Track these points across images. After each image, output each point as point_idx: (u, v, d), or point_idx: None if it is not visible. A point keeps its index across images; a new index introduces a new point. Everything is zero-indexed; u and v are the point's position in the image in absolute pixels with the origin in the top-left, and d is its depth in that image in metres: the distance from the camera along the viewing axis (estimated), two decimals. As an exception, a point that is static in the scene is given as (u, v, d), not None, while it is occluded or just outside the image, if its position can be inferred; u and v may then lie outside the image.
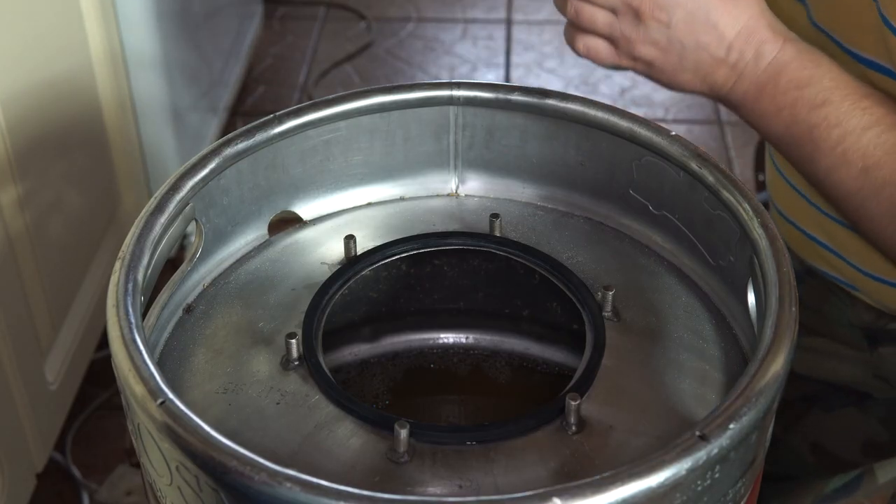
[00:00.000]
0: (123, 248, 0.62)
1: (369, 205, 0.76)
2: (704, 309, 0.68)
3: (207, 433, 0.52)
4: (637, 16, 0.74)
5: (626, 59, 0.77)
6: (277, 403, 0.61)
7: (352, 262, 0.70)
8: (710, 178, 0.66)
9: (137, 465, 0.61)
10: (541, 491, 0.49)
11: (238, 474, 0.50)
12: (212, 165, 0.68)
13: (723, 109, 2.12)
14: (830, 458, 0.82)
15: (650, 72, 0.77)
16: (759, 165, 1.72)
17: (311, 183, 0.75)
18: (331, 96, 0.72)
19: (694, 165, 0.67)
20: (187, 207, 0.66)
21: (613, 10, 0.75)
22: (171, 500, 0.56)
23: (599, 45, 0.77)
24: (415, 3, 2.46)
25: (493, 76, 2.24)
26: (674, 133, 0.69)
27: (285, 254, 0.72)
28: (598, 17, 0.76)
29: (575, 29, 0.78)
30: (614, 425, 0.59)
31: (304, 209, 0.75)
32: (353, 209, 0.76)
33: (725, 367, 0.64)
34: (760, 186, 1.70)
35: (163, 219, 0.64)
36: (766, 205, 0.86)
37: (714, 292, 0.69)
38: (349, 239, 0.71)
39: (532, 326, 0.74)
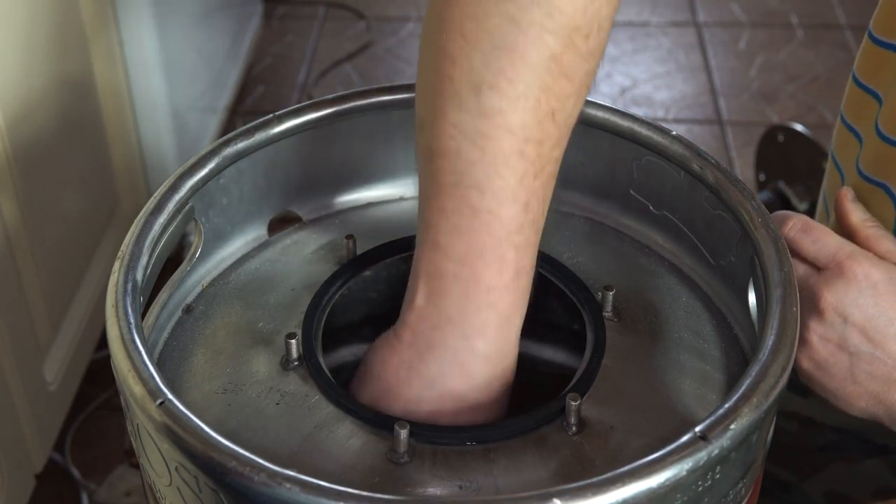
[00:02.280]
0: (122, 248, 0.61)
1: (369, 205, 0.76)
2: (705, 309, 0.68)
3: (207, 434, 0.52)
4: (816, 308, 0.66)
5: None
6: (277, 404, 0.61)
7: (352, 262, 0.70)
8: (711, 178, 0.66)
9: (137, 466, 0.61)
10: (541, 492, 0.49)
11: (238, 475, 0.50)
12: (211, 165, 0.67)
13: (724, 108, 2.12)
14: (841, 501, 0.82)
15: (818, 374, 0.68)
16: (759, 165, 1.72)
17: (311, 183, 0.75)
18: (330, 96, 0.72)
19: (695, 165, 0.67)
20: (186, 207, 0.66)
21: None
22: (170, 500, 0.56)
23: None
24: (415, 2, 2.45)
25: (493, 76, 2.23)
26: (674, 133, 0.69)
27: (285, 254, 0.72)
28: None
29: None
30: (615, 426, 0.59)
31: (304, 209, 0.75)
32: (353, 209, 0.76)
33: (726, 368, 0.64)
34: (761, 186, 1.70)
35: (162, 219, 0.64)
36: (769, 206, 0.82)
37: (715, 292, 0.69)
38: (349, 239, 0.71)
39: (532, 326, 0.74)
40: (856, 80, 0.79)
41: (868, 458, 0.79)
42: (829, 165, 0.82)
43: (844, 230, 0.72)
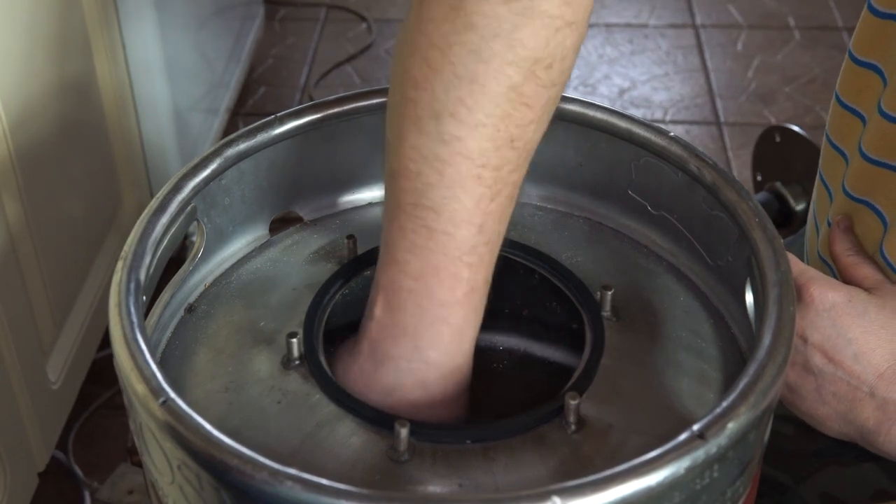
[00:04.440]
0: (125, 248, 0.62)
1: (370, 205, 0.77)
2: (703, 308, 0.68)
3: (209, 432, 0.52)
4: None
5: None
6: (278, 402, 0.61)
7: (352, 262, 0.70)
8: (709, 179, 0.67)
9: (139, 464, 0.61)
10: (540, 490, 0.49)
11: (239, 473, 0.50)
12: (213, 166, 0.68)
13: (721, 110, 2.13)
14: None
15: (791, 397, 0.70)
16: (756, 166, 1.73)
17: (312, 183, 0.75)
18: (331, 97, 0.72)
19: (692, 166, 0.68)
20: (189, 208, 0.67)
21: None
22: (172, 498, 0.56)
23: None
24: (415, 3, 2.45)
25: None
26: (672, 134, 0.69)
27: (286, 254, 0.73)
28: None
29: None
30: (613, 424, 0.59)
31: (305, 209, 0.75)
32: (353, 209, 0.76)
33: (724, 367, 0.64)
34: (758, 187, 1.70)
35: (164, 219, 0.64)
36: (764, 206, 0.82)
37: (712, 292, 0.69)
38: (350, 239, 0.71)
39: (532, 326, 0.74)
40: (839, 101, 0.79)
41: (863, 462, 0.79)
42: (816, 183, 0.83)
43: (831, 256, 0.75)
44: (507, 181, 0.59)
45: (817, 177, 0.83)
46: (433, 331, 0.60)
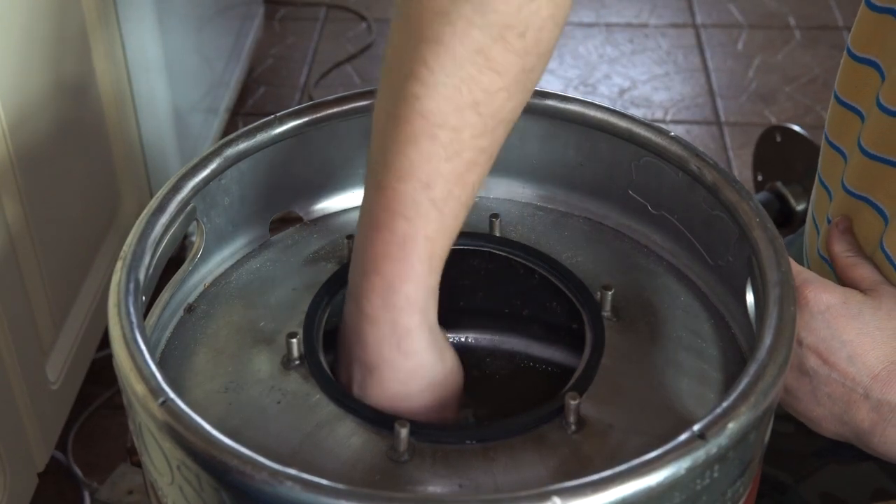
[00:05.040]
0: (125, 248, 0.62)
1: (370, 205, 0.77)
2: (703, 308, 0.68)
3: (208, 432, 0.52)
4: None
5: None
6: (278, 402, 0.61)
7: (352, 262, 0.70)
8: (709, 179, 0.67)
9: (139, 465, 0.61)
10: (540, 490, 0.49)
11: (239, 473, 0.50)
12: (213, 166, 0.68)
13: (722, 109, 2.13)
14: (836, 503, 0.83)
15: (787, 399, 0.70)
16: (757, 166, 1.73)
17: (312, 183, 0.75)
18: (331, 97, 0.72)
19: (693, 166, 0.68)
20: (188, 208, 0.66)
21: None
22: (172, 499, 0.56)
23: None
24: (415, 3, 2.45)
25: (494, 77, 2.23)
26: (672, 133, 0.69)
27: (286, 254, 0.73)
28: None
29: None
30: (613, 424, 0.59)
31: (305, 209, 0.75)
32: (353, 209, 0.76)
33: (724, 367, 0.64)
34: (759, 187, 1.70)
35: (164, 219, 0.64)
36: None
37: (713, 292, 0.69)
38: (350, 239, 0.71)
39: (532, 326, 0.74)
40: (837, 99, 0.79)
41: (863, 461, 0.79)
42: (815, 183, 0.83)
43: (829, 256, 0.75)
44: (468, 145, 0.58)
45: (816, 177, 0.83)
46: (366, 282, 0.59)
